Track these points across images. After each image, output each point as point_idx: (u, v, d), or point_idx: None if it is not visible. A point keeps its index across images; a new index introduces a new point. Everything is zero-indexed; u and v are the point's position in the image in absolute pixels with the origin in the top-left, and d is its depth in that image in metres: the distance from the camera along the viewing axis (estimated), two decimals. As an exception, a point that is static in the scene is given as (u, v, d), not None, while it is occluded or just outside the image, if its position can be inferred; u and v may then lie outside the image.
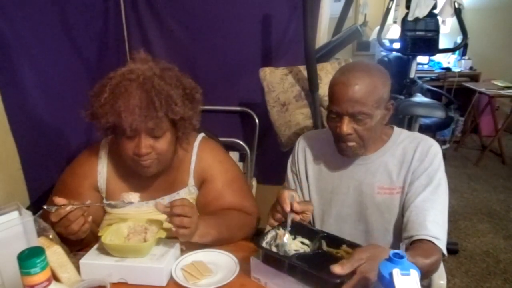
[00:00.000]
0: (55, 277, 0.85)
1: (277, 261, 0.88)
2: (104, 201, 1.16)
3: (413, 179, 1.07)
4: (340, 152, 1.09)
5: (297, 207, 0.98)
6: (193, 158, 1.19)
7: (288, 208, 0.97)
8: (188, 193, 1.19)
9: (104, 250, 0.96)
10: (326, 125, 1.67)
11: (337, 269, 0.78)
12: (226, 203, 1.17)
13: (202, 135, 1.25)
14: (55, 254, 0.90)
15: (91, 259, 0.95)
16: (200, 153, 1.20)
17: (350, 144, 1.05)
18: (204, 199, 1.17)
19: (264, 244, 0.93)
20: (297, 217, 0.99)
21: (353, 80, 0.99)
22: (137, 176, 1.15)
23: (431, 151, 1.07)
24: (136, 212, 1.15)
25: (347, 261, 0.80)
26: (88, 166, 1.17)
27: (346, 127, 1.02)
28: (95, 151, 1.19)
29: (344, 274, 0.78)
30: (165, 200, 1.16)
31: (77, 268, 0.94)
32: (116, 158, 1.17)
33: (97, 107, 1.01)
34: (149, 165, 1.06)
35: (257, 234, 0.97)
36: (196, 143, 1.21)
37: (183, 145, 1.16)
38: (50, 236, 0.95)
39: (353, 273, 0.79)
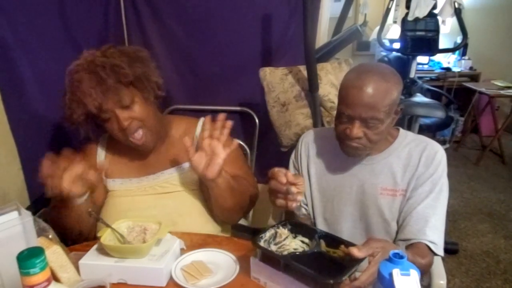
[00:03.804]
0: (54, 277, 0.85)
1: (274, 260, 0.88)
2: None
3: (417, 185, 1.06)
4: (344, 151, 1.09)
5: (290, 177, 0.95)
6: (197, 131, 1.24)
7: (284, 180, 0.95)
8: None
9: (104, 251, 0.95)
10: (326, 124, 1.69)
11: (355, 251, 0.81)
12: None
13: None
14: (55, 254, 0.90)
15: (91, 260, 0.94)
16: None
17: (357, 145, 1.04)
18: None
19: (262, 242, 0.93)
20: (294, 189, 0.96)
21: (369, 85, 0.96)
22: (137, 156, 1.20)
23: (437, 158, 1.07)
24: (137, 187, 1.19)
25: (363, 246, 0.83)
26: (88, 149, 1.24)
27: (357, 130, 1.00)
28: (93, 140, 1.25)
29: (342, 275, 0.79)
30: (165, 174, 1.20)
31: (77, 268, 0.93)
32: (115, 141, 1.20)
33: (66, 109, 1.07)
34: (141, 138, 1.10)
35: (256, 233, 0.96)
36: (201, 119, 1.25)
37: (164, 121, 1.21)
38: (50, 236, 0.95)
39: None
